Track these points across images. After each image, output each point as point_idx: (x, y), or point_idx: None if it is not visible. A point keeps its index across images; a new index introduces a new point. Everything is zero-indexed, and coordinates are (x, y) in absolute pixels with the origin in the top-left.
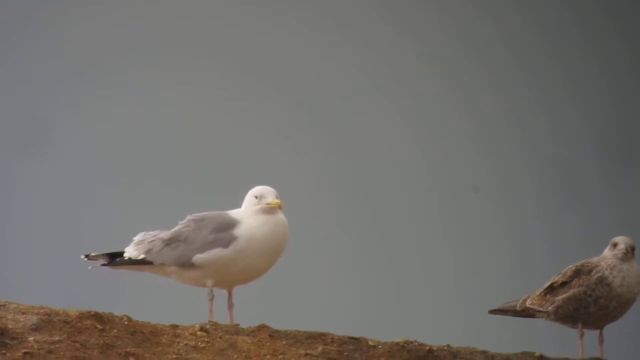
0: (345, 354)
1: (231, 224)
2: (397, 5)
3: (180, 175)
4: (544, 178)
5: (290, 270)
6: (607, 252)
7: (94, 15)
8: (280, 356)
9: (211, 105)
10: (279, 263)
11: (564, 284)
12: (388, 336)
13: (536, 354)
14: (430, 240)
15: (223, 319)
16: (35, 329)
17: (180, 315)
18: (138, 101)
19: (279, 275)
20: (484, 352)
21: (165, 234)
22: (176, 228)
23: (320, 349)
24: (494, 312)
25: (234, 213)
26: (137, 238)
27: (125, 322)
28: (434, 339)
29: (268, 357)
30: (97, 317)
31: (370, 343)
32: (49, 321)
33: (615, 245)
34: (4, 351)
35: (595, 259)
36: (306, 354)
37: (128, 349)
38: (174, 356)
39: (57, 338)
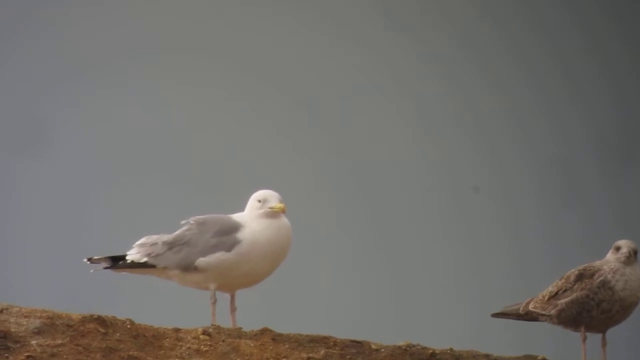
0: (348, 357)
1: (234, 227)
2: (397, 5)
3: (180, 176)
4: (544, 178)
5: (292, 273)
6: (610, 255)
7: (94, 15)
8: (283, 359)
9: (211, 105)
10: (281, 266)
11: (566, 288)
12: (390, 338)
13: (539, 358)
14: (431, 241)
15: (226, 322)
16: (38, 332)
17: (183, 318)
18: (138, 101)
19: (281, 278)
20: (487, 356)
21: (167, 237)
22: (179, 231)
23: (322, 352)
24: (496, 315)
25: (237, 217)
26: (140, 240)
27: (128, 326)
28: (435, 341)
29: None
30: (100, 320)
31: (373, 346)
32: (51, 324)
33: (618, 249)
34: (6, 355)
35: (597, 263)
36: (309, 358)
37: (131, 353)
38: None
39: (59, 342)
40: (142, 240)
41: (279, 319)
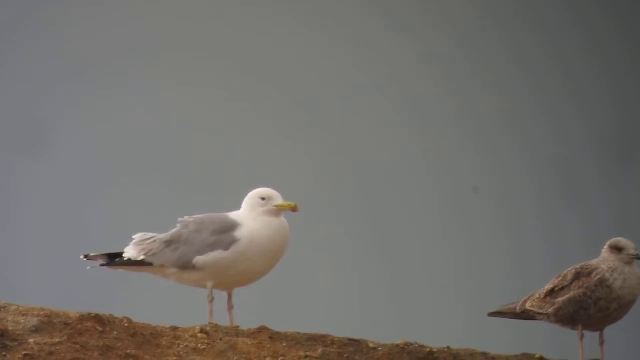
0: (346, 355)
1: (232, 226)
2: (397, 5)
3: (180, 175)
4: (544, 178)
5: (290, 271)
6: (608, 255)
7: (94, 15)
8: (281, 358)
9: (211, 105)
10: (279, 264)
11: (564, 287)
12: (388, 337)
13: (536, 356)
14: (430, 241)
15: (223, 320)
16: (36, 330)
17: (181, 317)
18: (138, 101)
19: (279, 276)
20: (484, 354)
21: (165, 236)
22: (176, 229)
23: (320, 350)
24: (493, 314)
25: (234, 215)
26: (136, 238)
27: (126, 324)
28: (433, 340)
29: (268, 359)
30: (98, 319)
31: (371, 345)
32: (49, 323)
33: (619, 249)
34: (4, 353)
35: (594, 262)
36: (306, 356)
37: (128, 351)
38: (174, 358)
39: (57, 340)
40: (138, 237)
41: (277, 318)
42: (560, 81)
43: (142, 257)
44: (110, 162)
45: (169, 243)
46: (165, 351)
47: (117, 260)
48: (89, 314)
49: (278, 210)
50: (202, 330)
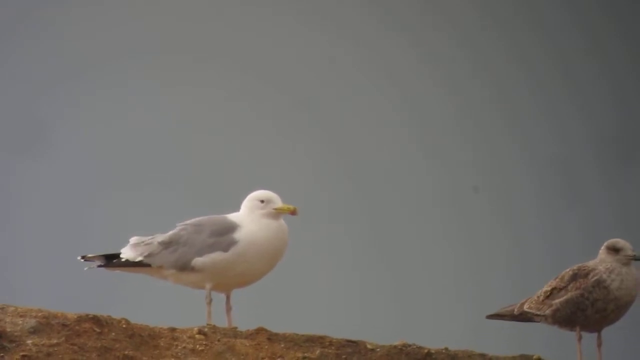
0: (344, 357)
1: (231, 227)
2: (397, 5)
3: (180, 175)
4: (544, 178)
5: (289, 272)
6: (606, 256)
7: (94, 15)
8: (279, 359)
9: (211, 105)
10: (278, 265)
11: (561, 287)
12: (386, 338)
13: (534, 357)
14: (430, 241)
15: (221, 322)
16: (34, 332)
17: (179, 318)
18: (138, 101)
19: (277, 278)
20: (482, 355)
21: (163, 237)
22: (175, 231)
23: (318, 352)
24: (491, 317)
25: (233, 217)
26: (133, 240)
27: (124, 325)
28: (432, 341)
29: None
30: (96, 320)
31: (369, 346)
32: (47, 324)
33: (617, 250)
34: (2, 354)
35: (591, 263)
36: (304, 357)
37: (126, 352)
38: (172, 359)
39: (55, 341)
40: (135, 238)
41: (275, 319)
42: (560, 81)
43: (140, 258)
44: (110, 162)
45: (167, 244)
46: (163, 352)
47: (114, 261)
48: (87, 315)
49: (277, 213)
50: (200, 332)
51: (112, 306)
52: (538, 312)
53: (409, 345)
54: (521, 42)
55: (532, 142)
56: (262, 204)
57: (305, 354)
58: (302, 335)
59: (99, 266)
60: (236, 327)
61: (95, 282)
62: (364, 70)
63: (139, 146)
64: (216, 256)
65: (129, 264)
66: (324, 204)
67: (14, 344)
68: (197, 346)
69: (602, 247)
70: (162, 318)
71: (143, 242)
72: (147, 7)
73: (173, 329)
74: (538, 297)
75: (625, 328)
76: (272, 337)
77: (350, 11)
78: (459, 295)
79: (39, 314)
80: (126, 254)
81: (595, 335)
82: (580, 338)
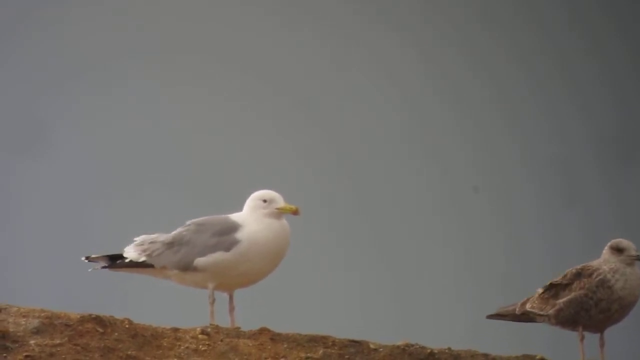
0: (347, 357)
1: (233, 227)
2: (397, 6)
3: (180, 175)
4: (544, 178)
5: (291, 272)
6: (609, 256)
7: (94, 15)
8: (282, 359)
9: (211, 105)
10: (280, 265)
11: (564, 287)
12: (389, 338)
13: (537, 357)
14: (430, 241)
15: (224, 322)
16: (37, 332)
17: (182, 318)
18: (138, 101)
19: (280, 278)
20: (485, 355)
21: (166, 237)
22: (177, 231)
23: (321, 352)
24: (491, 317)
25: (235, 216)
26: (136, 240)
27: (127, 325)
28: (434, 341)
29: None
30: (98, 320)
31: (372, 346)
32: (50, 324)
33: (620, 250)
34: (5, 354)
35: (594, 263)
36: (307, 357)
37: (129, 352)
38: (175, 359)
39: (58, 341)
40: (139, 239)
41: (278, 319)
42: (560, 81)
43: (143, 259)
44: (110, 162)
45: (170, 244)
46: (166, 352)
47: (118, 262)
48: (90, 315)
49: (279, 213)
50: (203, 332)
51: (114, 306)
52: (541, 312)
53: (412, 345)
54: (521, 42)
55: (532, 142)
56: (265, 204)
57: (308, 354)
58: (305, 335)
59: (103, 267)
60: (239, 327)
61: (96, 282)
62: (363, 70)
63: (139, 146)
64: (218, 256)
65: (133, 265)
66: (324, 204)
67: (17, 344)
68: (200, 346)
69: (606, 247)
70: (165, 318)
71: (146, 242)
72: (147, 7)
73: (176, 329)
74: (540, 294)
75: (629, 328)
76: (275, 337)
77: (349, 11)
78: (460, 295)
79: (42, 314)
80: (129, 254)
81: (597, 335)
82: (582, 338)
